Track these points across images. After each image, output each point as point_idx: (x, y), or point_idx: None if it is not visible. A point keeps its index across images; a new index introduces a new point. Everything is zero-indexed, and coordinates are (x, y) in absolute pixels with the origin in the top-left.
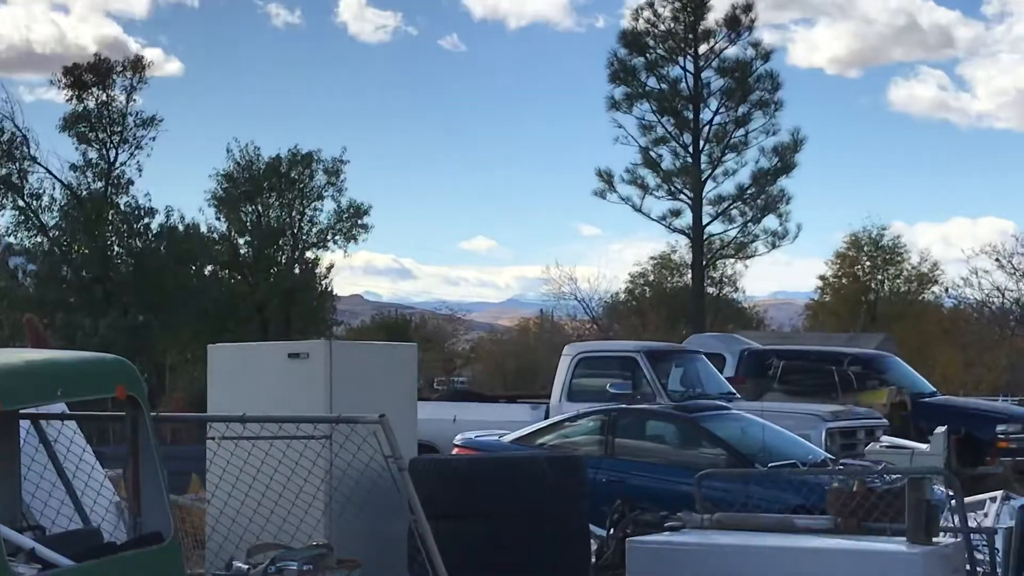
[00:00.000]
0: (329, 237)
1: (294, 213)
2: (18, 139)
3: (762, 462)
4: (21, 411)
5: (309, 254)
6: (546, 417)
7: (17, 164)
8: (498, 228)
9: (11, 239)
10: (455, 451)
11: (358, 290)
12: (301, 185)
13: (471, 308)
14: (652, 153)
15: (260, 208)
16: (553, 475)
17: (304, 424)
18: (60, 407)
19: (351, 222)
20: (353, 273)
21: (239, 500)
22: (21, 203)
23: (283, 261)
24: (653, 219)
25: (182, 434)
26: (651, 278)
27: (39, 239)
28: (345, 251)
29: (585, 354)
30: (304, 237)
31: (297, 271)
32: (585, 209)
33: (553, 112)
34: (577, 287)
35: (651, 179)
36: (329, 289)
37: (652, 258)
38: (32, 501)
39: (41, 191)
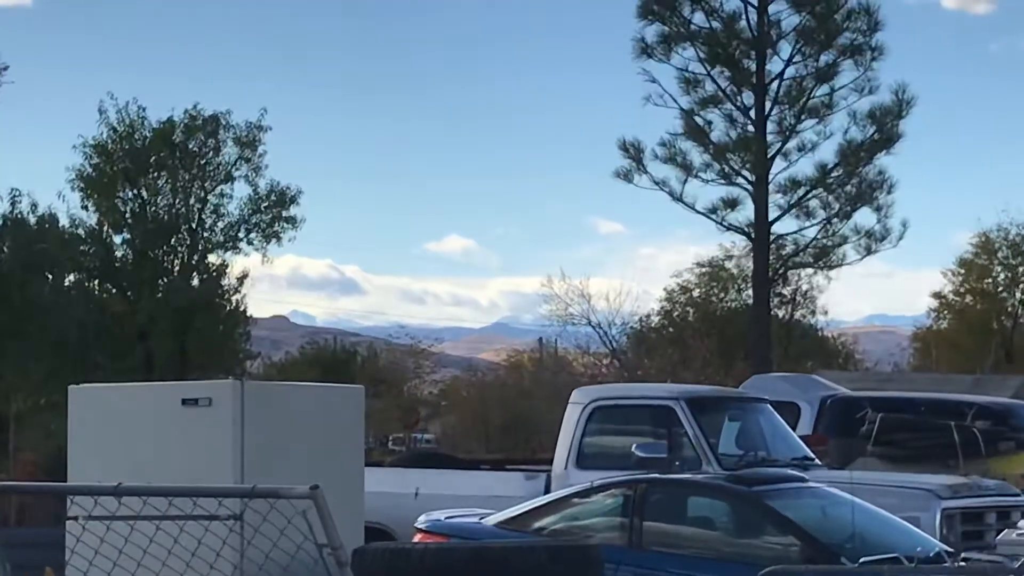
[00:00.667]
0: (242, 234)
1: (193, 201)
2: None
3: (851, 556)
4: None
5: (213, 258)
6: (547, 491)
7: None
8: (479, 224)
9: None
10: (417, 537)
11: (282, 309)
12: (203, 161)
13: (441, 336)
14: (698, 119)
15: (145, 193)
16: (555, 571)
17: (205, 499)
18: None
19: (272, 213)
20: (275, 285)
21: None
22: None
23: (177, 268)
24: (699, 211)
25: (32, 511)
26: (696, 294)
27: None
28: (264, 254)
29: (602, 402)
30: (206, 234)
31: (196, 282)
32: (602, 198)
33: (557, 62)
34: (591, 307)
35: (696, 155)
36: (241, 308)
37: (698, 265)
38: None
39: None
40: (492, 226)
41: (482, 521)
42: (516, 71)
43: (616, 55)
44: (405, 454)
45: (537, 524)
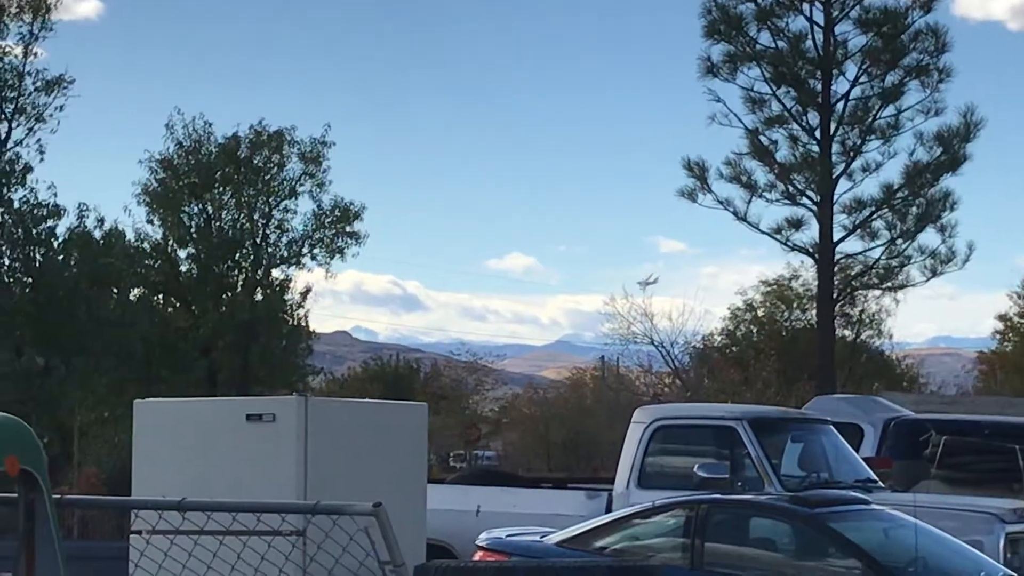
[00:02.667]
0: (305, 250)
1: (257, 216)
2: None
3: None
4: None
5: (277, 273)
6: (608, 510)
7: None
8: (540, 242)
9: None
10: (478, 555)
11: (345, 325)
12: (267, 176)
13: (503, 353)
14: (763, 138)
15: (210, 208)
16: None
17: (268, 515)
18: None
19: (336, 229)
20: (338, 301)
21: None
22: None
23: (240, 283)
24: (763, 231)
25: (96, 525)
26: (760, 314)
27: None
28: (328, 270)
29: (664, 422)
30: (270, 249)
31: (260, 297)
32: (666, 217)
33: (623, 80)
34: (653, 326)
35: (761, 175)
36: (304, 323)
37: (763, 283)
38: None
39: None
40: (554, 244)
41: (543, 539)
42: (581, 89)
43: (681, 74)
44: (466, 471)
45: (598, 543)
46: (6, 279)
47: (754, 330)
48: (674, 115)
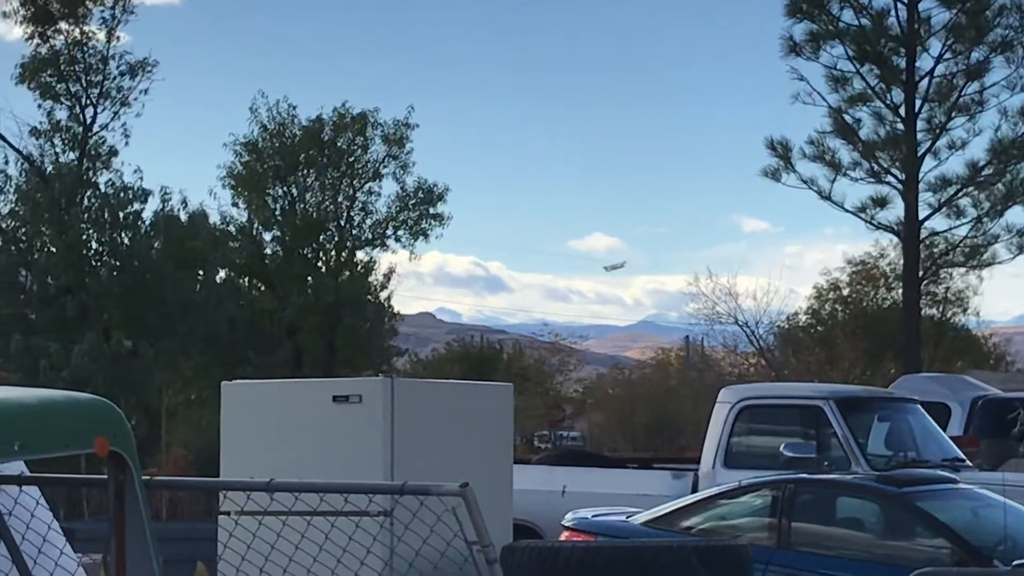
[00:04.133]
0: (389, 231)
1: (341, 198)
2: None
3: (1003, 558)
4: None
5: (361, 255)
6: (694, 490)
7: None
8: (623, 222)
9: None
10: (564, 535)
11: (429, 306)
12: (351, 158)
13: (587, 333)
14: (847, 116)
15: (294, 191)
16: (704, 572)
17: (355, 495)
18: (17, 467)
19: (420, 211)
20: (422, 282)
21: None
22: None
23: (325, 265)
24: (848, 210)
25: (184, 506)
26: (845, 293)
27: None
28: (412, 251)
29: (750, 401)
30: (354, 231)
31: (344, 279)
32: (749, 196)
33: (703, 60)
34: (738, 305)
35: (845, 153)
36: (388, 304)
37: (849, 263)
38: None
39: None
40: (636, 224)
41: (629, 520)
42: (663, 69)
43: (764, 53)
44: (552, 452)
45: (684, 523)
46: (93, 263)
47: (839, 309)
48: (757, 94)
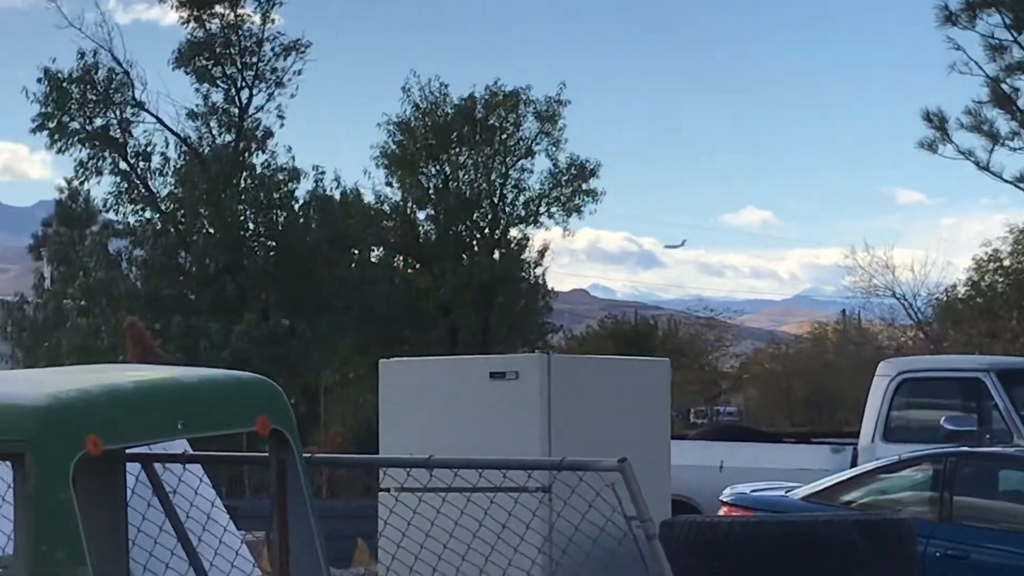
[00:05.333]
0: (542, 208)
1: (494, 176)
2: (118, 77)
3: None
4: (129, 451)
5: (515, 232)
6: (853, 464)
7: (118, 112)
8: (777, 196)
9: (111, 214)
10: (723, 511)
11: (583, 283)
12: (504, 136)
13: (742, 308)
14: (1005, 86)
15: (447, 169)
16: (866, 546)
17: (513, 471)
18: (181, 445)
19: (573, 187)
20: (575, 259)
21: None
22: (123, 165)
23: (479, 243)
24: (1007, 180)
25: (342, 483)
26: (1006, 263)
27: (148, 214)
28: (565, 228)
29: (909, 374)
30: (508, 209)
31: (498, 256)
32: (905, 168)
33: (856, 30)
34: (895, 278)
35: (1003, 123)
36: (542, 281)
37: (1011, 232)
38: (144, 574)
39: (150, 148)
40: (790, 197)
41: (788, 494)
42: (815, 41)
43: (920, 23)
44: (709, 427)
45: (844, 498)
46: (250, 243)
47: (1000, 280)
48: (913, 65)
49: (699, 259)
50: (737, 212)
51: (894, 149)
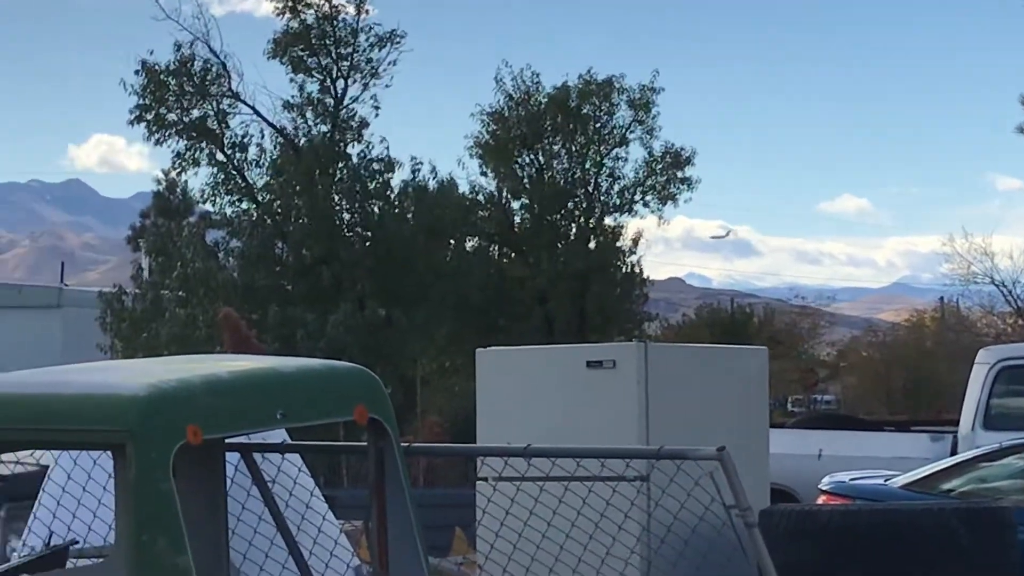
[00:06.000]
0: (637, 197)
1: (588, 165)
2: (215, 69)
3: None
4: (228, 440)
5: (609, 221)
6: (953, 452)
7: (214, 103)
8: (872, 183)
9: (208, 205)
10: (822, 499)
11: (678, 271)
12: (597, 125)
13: (838, 296)
14: None
15: (541, 158)
16: (966, 535)
17: (611, 460)
18: (280, 435)
19: (667, 175)
20: (670, 248)
21: (523, 565)
22: (220, 156)
23: (574, 232)
24: None
25: (440, 472)
26: None
27: (244, 205)
28: (660, 216)
29: (1009, 362)
30: (602, 198)
31: (593, 245)
32: (1004, 154)
33: (956, 16)
34: (994, 265)
35: None
36: (637, 270)
37: None
38: (243, 563)
39: (246, 139)
40: (886, 184)
41: (887, 483)
42: (912, 26)
43: (1018, 6)
44: (807, 415)
45: (944, 486)
46: (346, 233)
47: None
48: (1011, 50)
49: (795, 247)
50: (833, 200)
51: (992, 135)
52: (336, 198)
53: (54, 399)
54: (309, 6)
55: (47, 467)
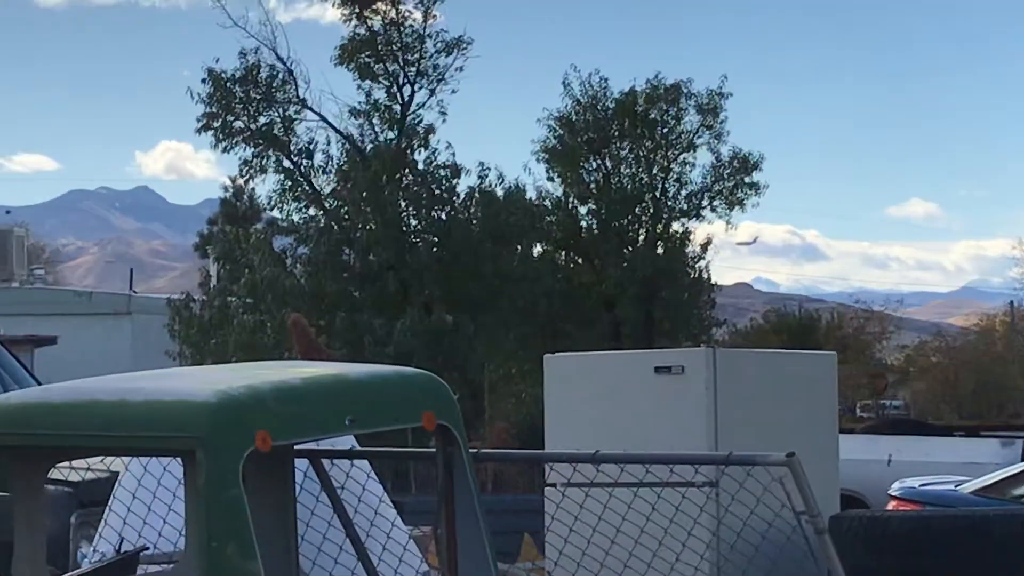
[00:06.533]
0: (704, 202)
1: (655, 170)
2: (281, 76)
3: None
4: (297, 447)
5: (677, 226)
6: None
7: (280, 110)
8: (941, 187)
9: (275, 212)
10: (892, 505)
11: (746, 276)
12: (665, 130)
13: (907, 300)
14: None
15: (608, 164)
16: None
17: (680, 466)
18: (348, 441)
19: (735, 180)
20: (737, 252)
21: (591, 572)
22: (287, 164)
23: (641, 237)
24: None
25: (508, 478)
26: None
27: (311, 212)
28: (728, 221)
29: None
30: (670, 203)
31: (661, 251)
32: None
33: (1019, 20)
34: None
35: None
36: (705, 275)
37: None
38: (313, 569)
39: (313, 146)
40: (955, 188)
41: (957, 489)
42: (976, 31)
43: None
44: (876, 421)
45: (1016, 492)
46: (414, 240)
47: None
48: None
49: (863, 251)
50: (901, 204)
51: None
52: (403, 204)
53: (124, 406)
54: (376, 12)
55: (117, 473)
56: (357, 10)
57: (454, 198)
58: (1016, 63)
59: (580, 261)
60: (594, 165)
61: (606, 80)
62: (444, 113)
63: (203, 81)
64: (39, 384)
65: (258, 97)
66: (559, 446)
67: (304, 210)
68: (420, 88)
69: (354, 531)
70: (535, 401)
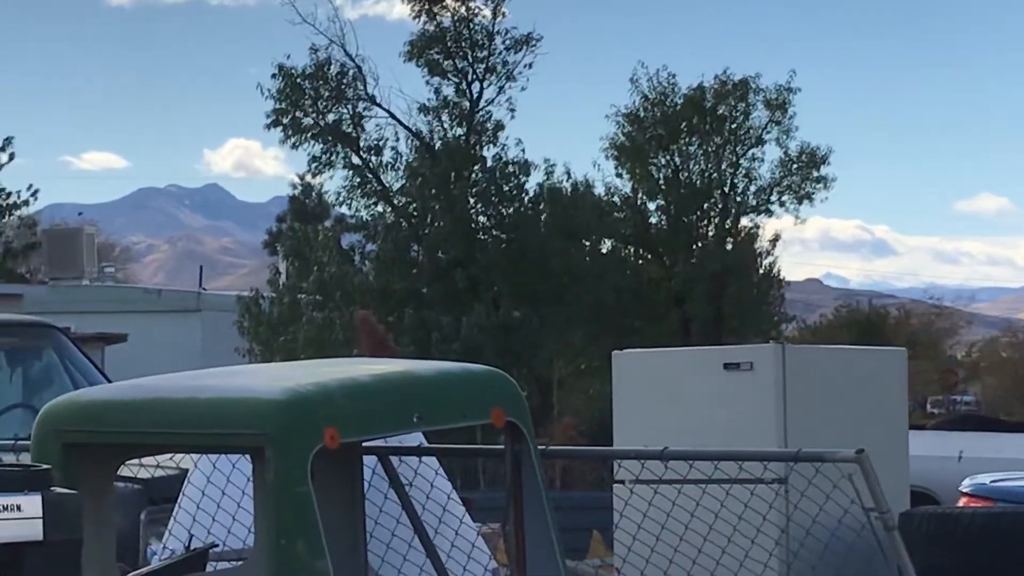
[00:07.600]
0: (773, 197)
1: (724, 165)
2: (350, 72)
3: None
4: (365, 444)
5: (745, 221)
6: None
7: (350, 107)
8: (1012, 181)
9: (344, 209)
10: (963, 501)
11: (815, 272)
12: (733, 125)
13: (978, 296)
14: None
15: (677, 159)
16: None
17: (749, 463)
18: (417, 438)
19: (803, 175)
20: (807, 248)
21: (660, 569)
22: (356, 160)
23: (710, 233)
24: None
25: (576, 474)
26: None
27: (380, 208)
28: (797, 216)
29: None
30: (739, 198)
31: (730, 246)
32: None
33: None
34: None
35: None
36: (774, 271)
37: None
38: (381, 566)
39: (382, 143)
40: None
41: None
42: None
43: None
44: (947, 417)
45: None
46: (482, 237)
47: None
48: None
49: (933, 246)
50: (971, 199)
51: None
52: (471, 201)
53: (193, 403)
54: (445, 8)
55: (187, 470)
56: (426, 6)
57: (523, 195)
58: None
59: (649, 257)
60: (663, 161)
61: (674, 76)
62: (513, 110)
63: (273, 76)
64: (109, 381)
65: (327, 94)
66: (627, 442)
67: (372, 207)
68: (489, 85)
69: (422, 528)
70: (604, 397)
